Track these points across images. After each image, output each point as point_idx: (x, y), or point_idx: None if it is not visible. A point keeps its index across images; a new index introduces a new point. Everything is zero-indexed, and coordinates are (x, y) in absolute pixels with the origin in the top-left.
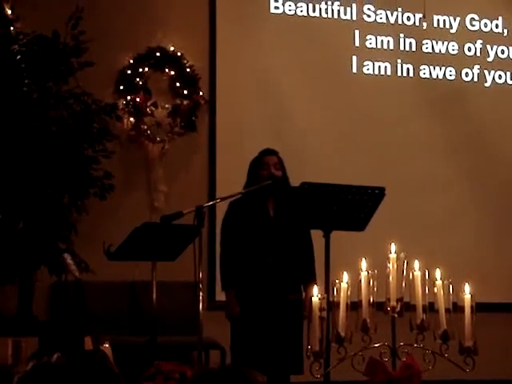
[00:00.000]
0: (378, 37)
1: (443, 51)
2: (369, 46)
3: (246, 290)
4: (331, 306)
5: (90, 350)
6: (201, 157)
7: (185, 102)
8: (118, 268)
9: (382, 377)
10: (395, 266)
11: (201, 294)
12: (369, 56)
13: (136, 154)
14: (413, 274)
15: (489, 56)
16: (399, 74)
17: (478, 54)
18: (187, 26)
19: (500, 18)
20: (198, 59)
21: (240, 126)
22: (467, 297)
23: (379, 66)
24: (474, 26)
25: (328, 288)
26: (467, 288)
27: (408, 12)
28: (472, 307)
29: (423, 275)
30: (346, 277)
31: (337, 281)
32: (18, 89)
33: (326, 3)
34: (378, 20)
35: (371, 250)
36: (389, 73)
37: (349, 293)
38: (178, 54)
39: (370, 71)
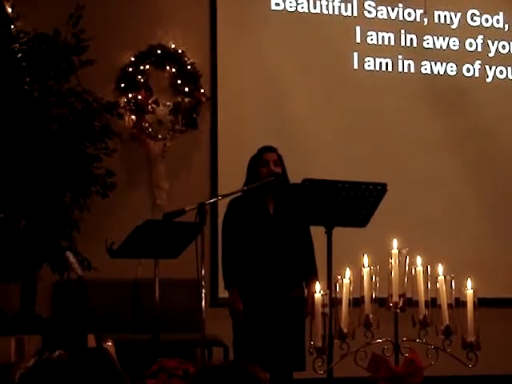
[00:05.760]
0: (379, 33)
1: (444, 47)
2: (370, 42)
3: (248, 288)
4: (334, 302)
5: (92, 347)
6: (202, 154)
7: (186, 100)
8: (120, 266)
9: (385, 372)
10: (397, 261)
11: (203, 291)
12: (370, 52)
13: (138, 151)
14: (415, 269)
15: (490, 51)
16: (400, 70)
17: (479, 49)
18: (188, 23)
19: (501, 13)
20: (199, 56)
21: (241, 123)
22: (469, 292)
23: (380, 62)
24: (474, 21)
25: (330, 284)
26: (469, 283)
27: (409, 8)
28: (474, 302)
29: (425, 271)
30: (348, 273)
31: (339, 277)
32: (19, 87)
33: (327, 0)
34: (379, 16)
35: (373, 246)
36: (390, 69)
37: (351, 289)
38: (179, 51)
39: (371, 67)
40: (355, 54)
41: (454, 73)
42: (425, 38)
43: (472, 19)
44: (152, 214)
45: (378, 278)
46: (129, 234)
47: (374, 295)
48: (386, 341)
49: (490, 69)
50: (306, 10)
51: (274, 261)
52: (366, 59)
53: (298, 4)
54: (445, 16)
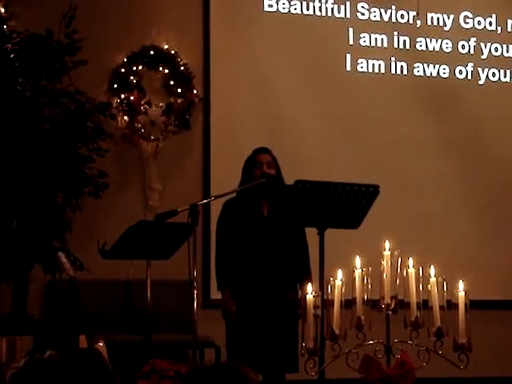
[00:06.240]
0: (372, 35)
1: (437, 49)
2: (363, 43)
3: (242, 289)
4: (325, 303)
5: (84, 348)
6: (195, 155)
7: (179, 101)
8: (112, 266)
9: (377, 374)
10: (389, 263)
11: (195, 292)
12: (363, 54)
13: (130, 152)
14: (407, 271)
15: (482, 54)
16: (393, 71)
17: (472, 51)
18: (181, 24)
19: (494, 15)
20: (192, 57)
21: (234, 124)
22: (461, 294)
23: (373, 64)
24: (467, 23)
25: (322, 286)
26: (461, 285)
27: (402, 10)
28: (466, 304)
29: (417, 272)
30: (340, 274)
31: (331, 278)
32: (12, 87)
33: (320, 1)
34: (372, 18)
35: (365, 248)
36: (383, 71)
37: (343, 290)
38: (172, 52)
39: (364, 69)
40: (348, 56)
41: (447, 75)
42: (417, 39)
43: (465, 21)
44: (144, 215)
45: (369, 280)
46: (121, 235)
47: (365, 297)
48: (378, 342)
49: (483, 71)
50: (299, 12)
51: (268, 262)
52: (359, 61)
53: (290, 5)
54: (437, 18)
